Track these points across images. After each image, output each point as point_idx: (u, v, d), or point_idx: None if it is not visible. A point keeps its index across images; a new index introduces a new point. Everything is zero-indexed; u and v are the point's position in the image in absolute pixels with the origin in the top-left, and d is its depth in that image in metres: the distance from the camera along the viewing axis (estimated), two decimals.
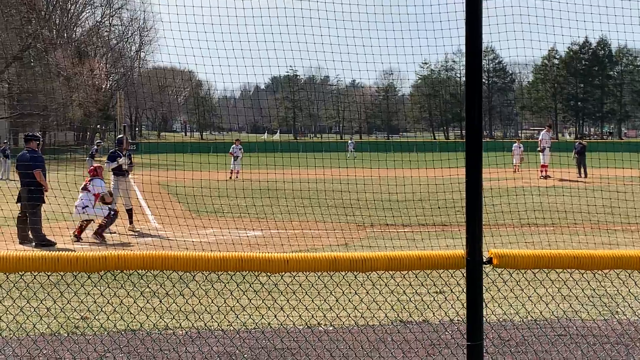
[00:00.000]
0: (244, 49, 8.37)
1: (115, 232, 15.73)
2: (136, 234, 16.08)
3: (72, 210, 15.24)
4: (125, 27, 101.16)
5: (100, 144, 43.23)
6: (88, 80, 70.66)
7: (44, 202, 14.58)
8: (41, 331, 7.27)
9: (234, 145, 36.92)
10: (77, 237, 14.82)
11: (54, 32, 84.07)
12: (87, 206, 14.87)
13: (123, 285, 8.21)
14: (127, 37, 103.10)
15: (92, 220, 15.05)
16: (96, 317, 7.55)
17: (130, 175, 17.55)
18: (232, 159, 36.33)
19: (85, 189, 15.19)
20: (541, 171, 33.38)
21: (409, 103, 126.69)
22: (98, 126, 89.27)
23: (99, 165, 16.48)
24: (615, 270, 5.42)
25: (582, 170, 35.00)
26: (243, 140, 39.75)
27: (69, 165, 34.65)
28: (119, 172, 16.86)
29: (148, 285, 8.61)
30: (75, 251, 5.97)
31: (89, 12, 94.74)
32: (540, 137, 35.26)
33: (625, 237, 14.41)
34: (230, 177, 34.46)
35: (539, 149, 34.04)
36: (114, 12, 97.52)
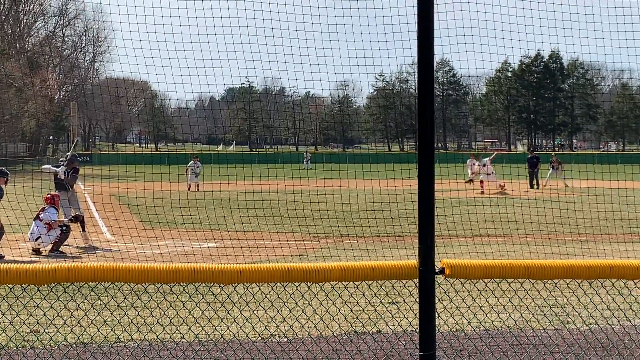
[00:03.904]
0: (197, 58, 8.35)
1: (67, 244, 15.52)
2: (87, 246, 15.87)
3: (22, 222, 14.98)
4: (79, 37, 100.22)
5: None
6: (40, 91, 69.84)
7: None
8: None
9: (192, 162, 36.62)
10: (36, 252, 14.61)
11: (6, 43, 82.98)
12: (39, 237, 14.61)
13: (74, 297, 8.10)
14: (81, 48, 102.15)
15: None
16: (46, 330, 7.43)
17: (73, 188, 17.15)
18: (190, 173, 36.02)
19: (37, 217, 14.87)
20: (500, 186, 32.66)
21: (364, 114, 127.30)
22: (50, 137, 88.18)
23: (56, 194, 16.19)
24: (565, 280, 5.48)
25: (534, 181, 35.48)
26: (197, 151, 39.46)
27: (17, 177, 34.13)
28: (61, 187, 16.59)
29: (99, 298, 8.52)
30: (24, 263, 5.88)
31: (42, 22, 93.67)
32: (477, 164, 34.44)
33: (575, 247, 14.61)
34: (189, 188, 34.27)
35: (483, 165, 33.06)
36: (67, 23, 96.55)
